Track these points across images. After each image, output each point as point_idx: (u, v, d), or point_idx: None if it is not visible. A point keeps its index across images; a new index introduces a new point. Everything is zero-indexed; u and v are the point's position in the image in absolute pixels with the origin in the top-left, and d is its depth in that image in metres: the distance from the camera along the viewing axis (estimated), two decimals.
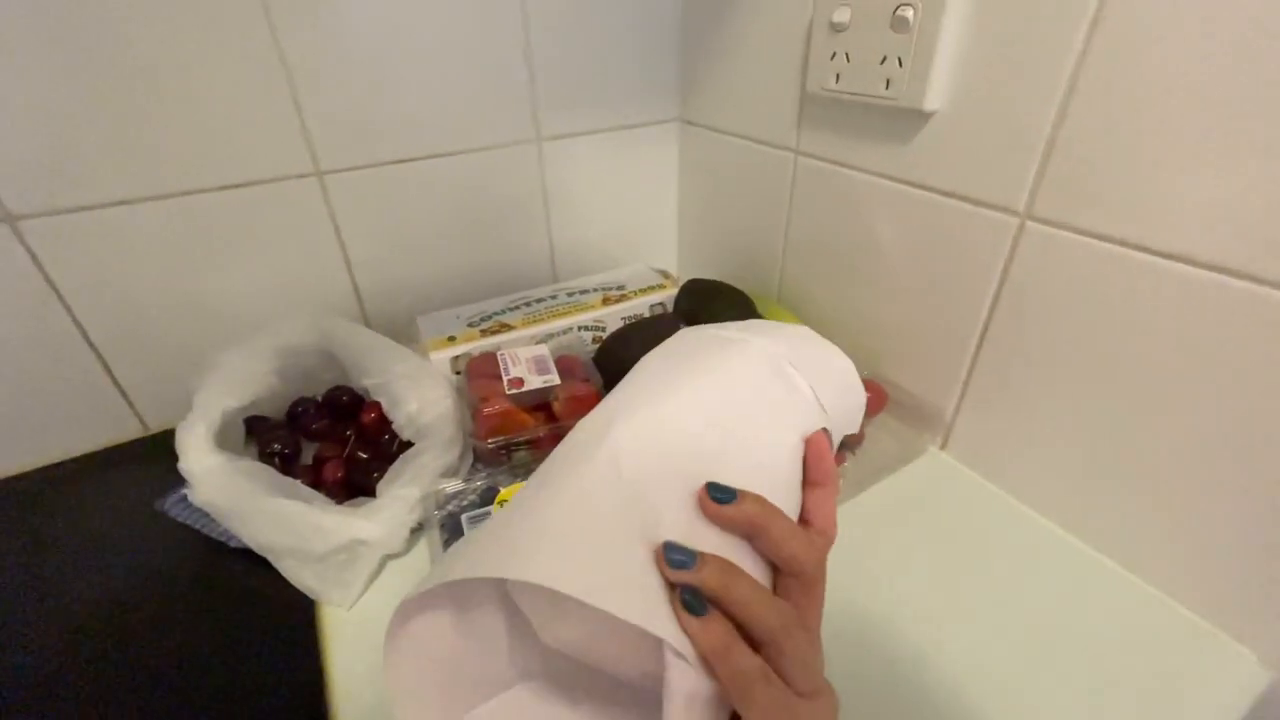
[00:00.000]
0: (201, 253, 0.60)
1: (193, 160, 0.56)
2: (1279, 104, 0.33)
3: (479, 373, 0.57)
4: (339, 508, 0.47)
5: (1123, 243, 0.40)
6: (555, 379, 0.55)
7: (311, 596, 0.45)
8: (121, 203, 0.55)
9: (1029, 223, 0.45)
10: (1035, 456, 0.50)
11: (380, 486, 0.49)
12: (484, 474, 0.53)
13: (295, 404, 0.61)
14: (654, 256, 0.85)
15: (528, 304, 0.69)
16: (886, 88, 0.50)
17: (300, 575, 0.45)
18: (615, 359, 0.62)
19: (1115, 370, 0.43)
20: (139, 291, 0.59)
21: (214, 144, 0.56)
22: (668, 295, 0.71)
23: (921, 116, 0.49)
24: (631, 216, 0.83)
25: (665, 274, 0.76)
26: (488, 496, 0.50)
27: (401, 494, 0.48)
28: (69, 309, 0.56)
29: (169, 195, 0.56)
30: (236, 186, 0.58)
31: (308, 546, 0.44)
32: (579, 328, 0.67)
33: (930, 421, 0.57)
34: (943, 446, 0.58)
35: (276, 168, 0.59)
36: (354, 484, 0.53)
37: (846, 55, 0.52)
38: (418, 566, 0.47)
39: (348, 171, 0.63)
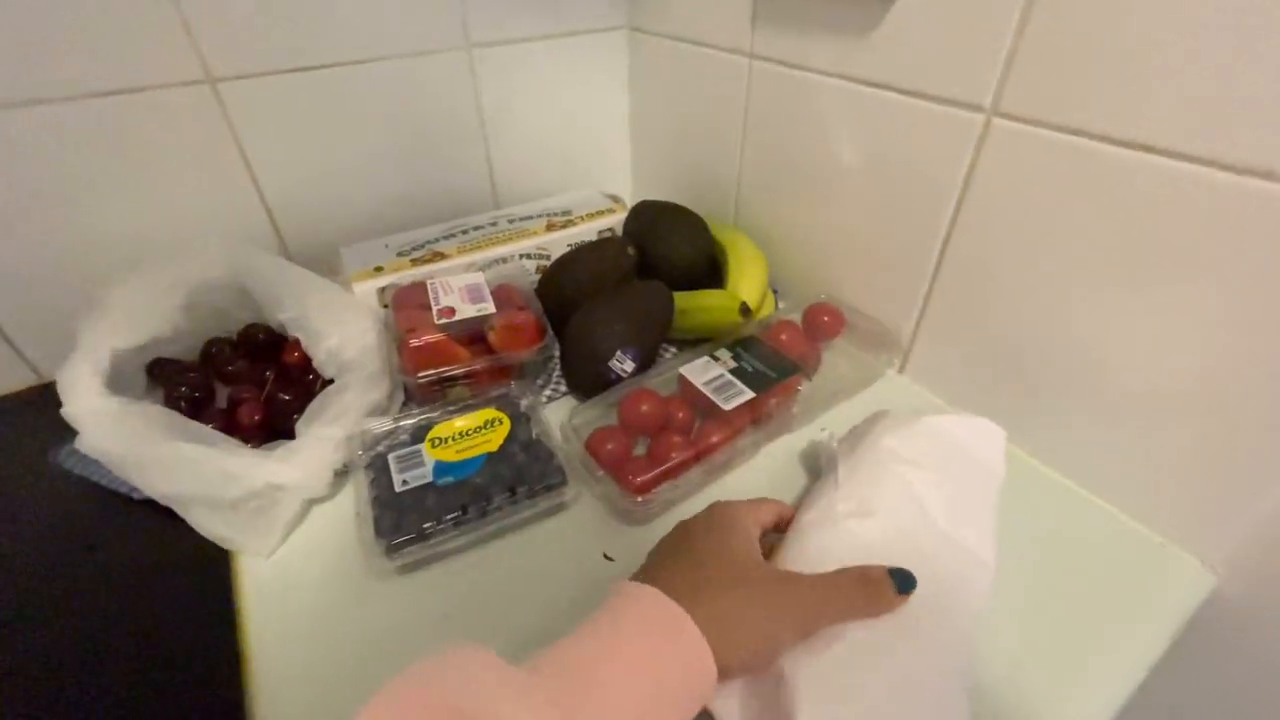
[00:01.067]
0: (84, 175, 0.53)
1: (53, 60, 0.48)
2: None
3: (406, 303, 0.52)
4: (251, 450, 0.43)
5: (1091, 135, 0.37)
6: (490, 307, 0.51)
7: (225, 547, 0.41)
8: None
9: (995, 119, 0.41)
10: (995, 378, 0.49)
11: (299, 426, 0.45)
12: (417, 412, 0.49)
13: (209, 344, 0.56)
14: (605, 180, 0.79)
15: (464, 231, 0.64)
16: None
17: (210, 524, 0.41)
18: (559, 287, 0.58)
19: (1075, 279, 0.41)
20: (13, 221, 0.51)
21: (77, 40, 0.48)
22: (617, 219, 0.67)
23: (883, 2, 0.44)
24: (579, 136, 0.77)
25: (615, 198, 0.70)
26: (419, 435, 0.46)
27: (322, 434, 0.44)
28: None
29: (30, 103, 0.48)
30: (111, 94, 0.51)
31: (216, 493, 0.40)
32: (521, 255, 0.62)
33: (888, 344, 0.55)
34: (900, 370, 0.56)
35: (156, 72, 0.51)
36: (275, 428, 0.49)
37: None
38: (342, 513, 0.44)
39: (245, 79, 0.55)
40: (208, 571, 0.41)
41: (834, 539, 0.35)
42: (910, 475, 0.39)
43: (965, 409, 0.51)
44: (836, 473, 0.40)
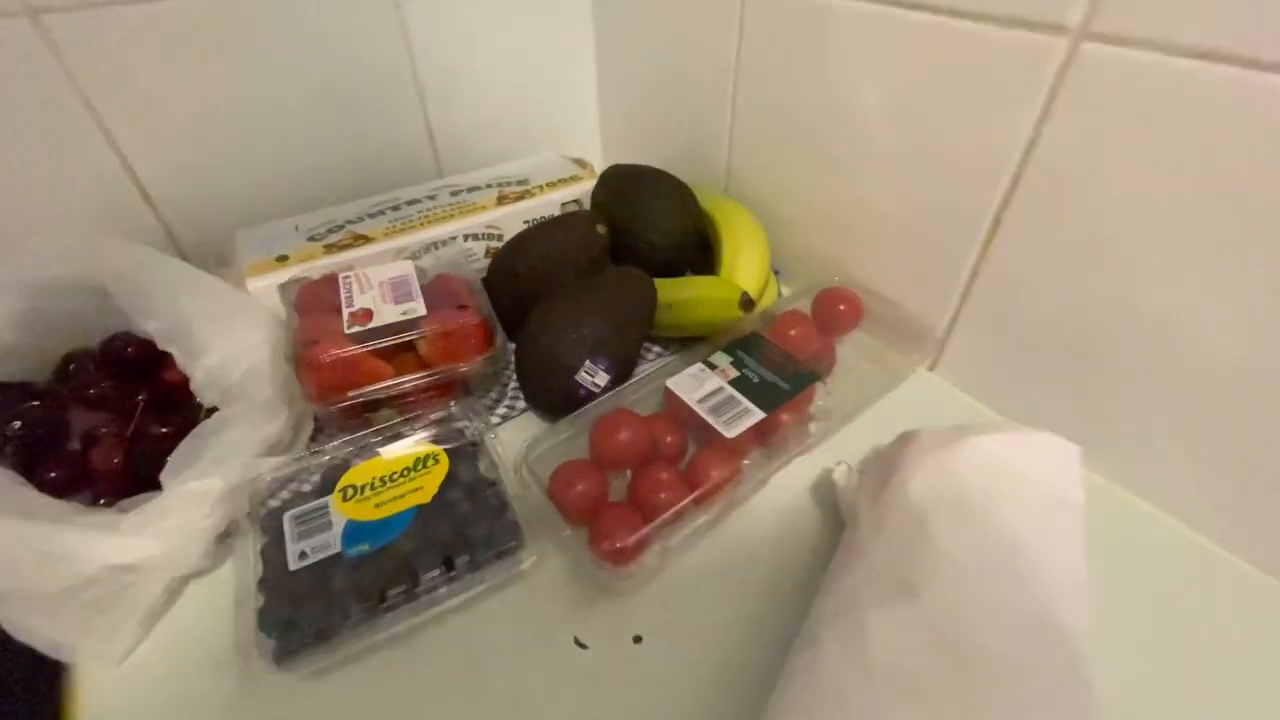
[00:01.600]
0: None
1: None
2: None
3: (313, 304, 0.40)
4: (90, 518, 0.32)
5: (1220, 57, 0.27)
6: (420, 308, 0.39)
7: (53, 656, 0.30)
8: None
9: (1085, 44, 0.31)
10: (1058, 376, 0.39)
11: (164, 477, 0.34)
12: (331, 446, 0.38)
13: (66, 360, 0.44)
14: (570, 142, 0.67)
15: (395, 207, 0.52)
16: None
17: (28, 626, 0.30)
18: (513, 276, 0.46)
19: (1177, 250, 0.31)
20: None
21: None
22: (584, 189, 0.55)
23: None
24: (537, 86, 0.64)
25: (581, 163, 0.59)
26: (331, 479, 0.35)
27: (193, 489, 0.33)
28: None
29: None
30: None
31: (32, 585, 0.29)
32: (465, 236, 0.50)
33: (917, 338, 0.45)
34: (932, 368, 0.47)
35: None
36: (145, 473, 0.38)
37: None
38: (228, 588, 0.33)
39: (79, 10, 0.42)
40: (30, 682, 0.30)
41: (863, 650, 0.26)
42: (954, 530, 0.29)
43: (1016, 416, 0.42)
44: (859, 534, 0.31)
